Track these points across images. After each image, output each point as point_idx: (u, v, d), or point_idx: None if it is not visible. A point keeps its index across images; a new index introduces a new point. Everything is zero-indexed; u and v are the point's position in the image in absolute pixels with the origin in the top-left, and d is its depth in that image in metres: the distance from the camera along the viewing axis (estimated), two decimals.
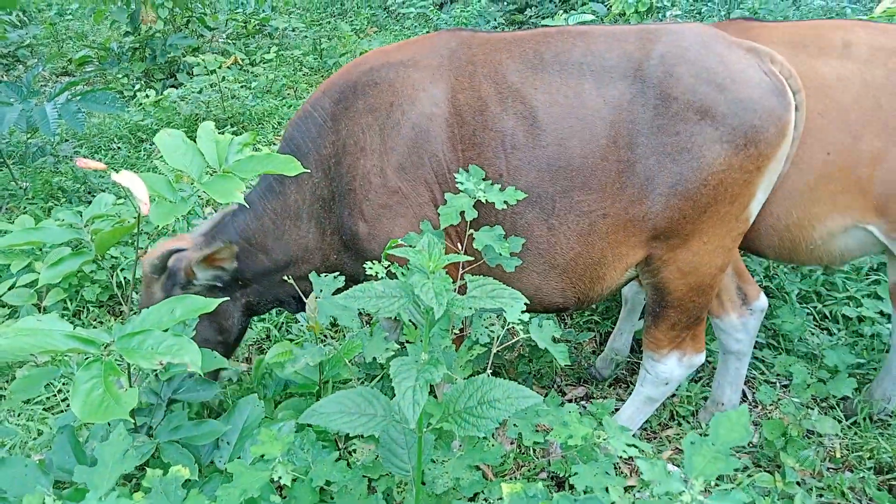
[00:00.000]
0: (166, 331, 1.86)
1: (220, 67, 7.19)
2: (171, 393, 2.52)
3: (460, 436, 1.39)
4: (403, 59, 2.63)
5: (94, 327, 3.89)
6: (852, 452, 3.10)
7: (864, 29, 2.79)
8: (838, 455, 3.06)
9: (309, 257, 2.81)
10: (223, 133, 5.95)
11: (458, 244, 2.65)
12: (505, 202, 2.22)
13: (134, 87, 7.62)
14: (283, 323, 3.98)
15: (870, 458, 3.05)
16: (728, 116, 2.30)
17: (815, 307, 3.96)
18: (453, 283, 1.53)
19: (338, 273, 2.33)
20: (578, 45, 2.47)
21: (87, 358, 1.80)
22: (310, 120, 2.70)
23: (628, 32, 2.46)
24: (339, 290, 2.35)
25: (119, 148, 6.36)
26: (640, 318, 3.74)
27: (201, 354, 1.85)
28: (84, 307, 4.00)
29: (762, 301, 2.98)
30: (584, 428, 1.93)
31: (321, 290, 2.15)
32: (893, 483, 2.98)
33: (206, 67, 7.16)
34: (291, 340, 3.70)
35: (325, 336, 3.61)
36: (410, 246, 2.23)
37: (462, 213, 2.19)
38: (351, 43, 8.82)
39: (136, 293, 4.09)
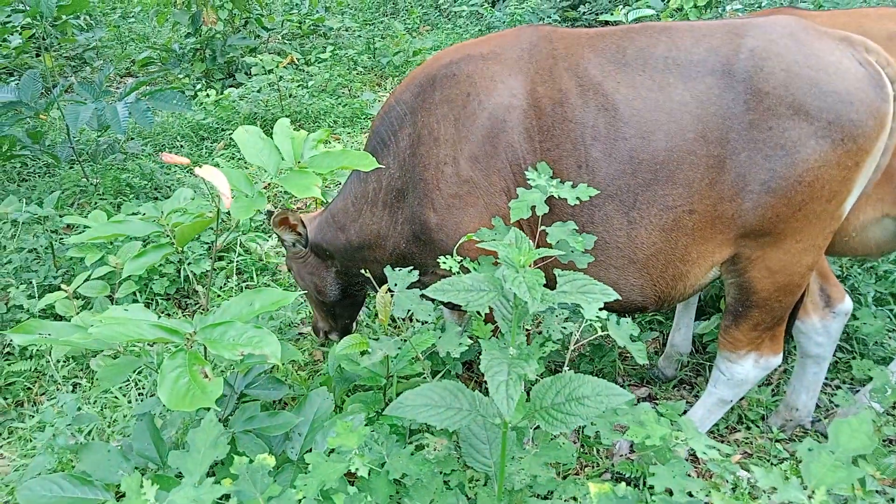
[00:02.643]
0: (247, 322, 1.89)
1: (277, 67, 7.31)
2: (245, 387, 2.57)
3: (546, 432, 1.37)
4: (483, 52, 2.65)
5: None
6: None
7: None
8: None
9: (381, 243, 2.94)
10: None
11: (528, 236, 2.64)
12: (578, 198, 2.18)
13: (195, 86, 7.81)
14: None
15: None
16: (823, 111, 2.22)
17: (892, 309, 3.80)
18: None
19: (412, 267, 2.34)
20: (662, 40, 2.43)
21: (171, 348, 1.85)
22: (392, 113, 2.79)
23: (714, 27, 2.40)
24: (413, 284, 2.36)
25: (182, 146, 6.52)
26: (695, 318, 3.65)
27: (281, 347, 1.87)
28: (153, 299, 4.12)
29: (847, 304, 2.87)
30: (662, 428, 1.88)
31: (395, 284, 2.15)
32: None
33: (263, 67, 7.30)
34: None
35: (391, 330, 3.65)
36: (483, 240, 2.22)
37: (533, 207, 2.17)
38: (404, 42, 8.86)
39: (203, 286, 4.20)
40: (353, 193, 2.98)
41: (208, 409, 1.83)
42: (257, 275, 4.39)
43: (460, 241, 2.15)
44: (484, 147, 2.58)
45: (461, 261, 2.10)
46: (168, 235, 2.28)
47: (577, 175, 2.47)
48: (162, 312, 4.04)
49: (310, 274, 3.21)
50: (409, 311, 2.28)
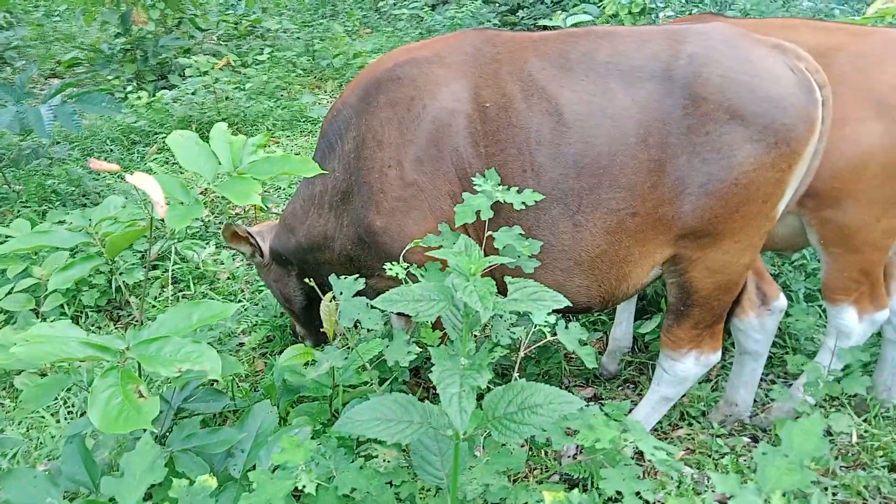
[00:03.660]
0: (185, 337, 1.81)
1: (212, 69, 7.12)
2: (182, 401, 2.47)
3: (495, 441, 1.35)
4: (427, 55, 2.65)
5: (94, 333, 3.81)
6: (864, 451, 3.09)
7: (808, 29, 2.82)
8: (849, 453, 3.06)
9: (329, 244, 2.92)
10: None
11: (474, 241, 2.63)
12: (523, 203, 2.18)
13: (125, 88, 7.52)
14: (285, 325, 3.92)
15: (882, 457, 3.04)
16: (758, 115, 2.29)
17: (821, 305, 3.96)
18: None
19: (358, 275, 2.29)
20: (604, 45, 2.46)
21: (103, 365, 1.75)
22: (339, 117, 2.78)
23: (654, 33, 2.45)
24: (361, 291, 2.32)
25: (112, 150, 6.26)
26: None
27: (221, 361, 1.80)
28: (82, 312, 3.92)
29: (781, 301, 2.97)
30: (611, 431, 1.89)
31: (341, 292, 2.10)
32: None
33: (198, 69, 7.08)
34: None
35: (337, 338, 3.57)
36: (430, 246, 2.19)
37: (478, 212, 2.15)
38: (344, 44, 8.76)
39: (137, 298, 4.02)
40: (302, 196, 2.96)
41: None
42: (194, 283, 4.24)
43: (407, 248, 2.12)
44: (428, 150, 2.57)
45: (408, 267, 2.07)
46: (97, 246, 2.16)
47: (522, 179, 2.48)
48: (92, 326, 3.85)
49: (275, 282, 3.21)
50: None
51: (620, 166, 2.41)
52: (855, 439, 3.08)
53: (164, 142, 6.37)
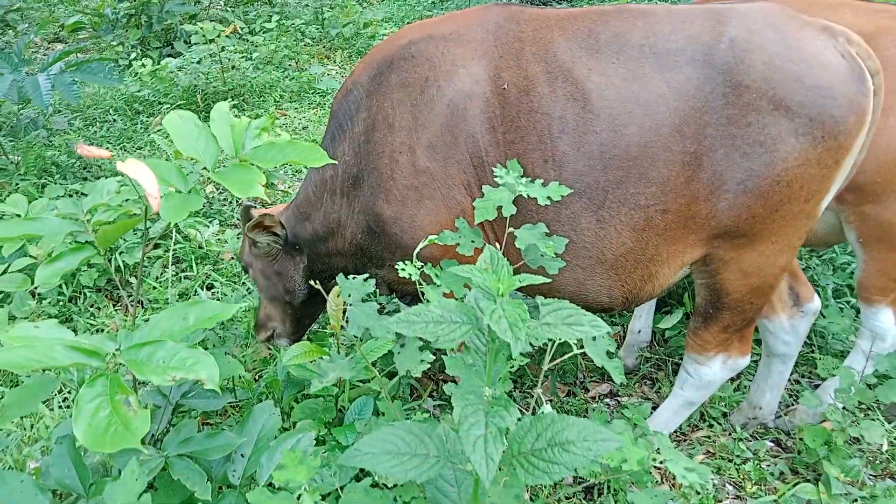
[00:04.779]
0: (181, 341, 1.66)
1: (218, 36, 6.88)
2: (181, 396, 2.33)
3: (528, 483, 1.21)
4: (445, 32, 2.45)
5: (92, 314, 3.69)
6: (894, 459, 2.95)
7: (851, 10, 2.62)
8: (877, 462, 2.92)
9: (342, 232, 2.77)
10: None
11: (492, 237, 2.46)
12: (548, 197, 2.00)
13: (129, 55, 7.31)
14: None
15: None
16: (805, 106, 2.09)
17: (849, 301, 3.80)
18: None
19: (368, 266, 2.14)
20: (639, 25, 2.25)
21: (90, 371, 1.60)
22: (350, 97, 2.60)
23: (694, 13, 2.24)
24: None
25: (115, 120, 6.09)
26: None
27: (218, 367, 1.65)
28: (81, 292, 3.79)
29: (815, 303, 2.80)
30: (639, 451, 1.75)
31: (349, 295, 1.94)
32: None
33: (204, 36, 6.85)
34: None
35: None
36: (445, 242, 2.03)
37: (499, 207, 1.98)
38: (354, 12, 8.50)
39: (135, 278, 3.89)
40: (313, 182, 2.79)
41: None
42: (197, 264, 4.09)
43: (421, 245, 1.95)
44: (442, 136, 2.39)
45: (422, 266, 1.91)
46: (89, 235, 2.00)
47: (542, 170, 2.30)
48: (91, 307, 3.72)
49: (277, 273, 2.95)
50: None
51: (651, 159, 2.23)
52: (885, 447, 2.93)
53: (168, 112, 6.19)
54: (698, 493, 2.72)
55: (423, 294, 1.92)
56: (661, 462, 1.78)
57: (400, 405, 2.19)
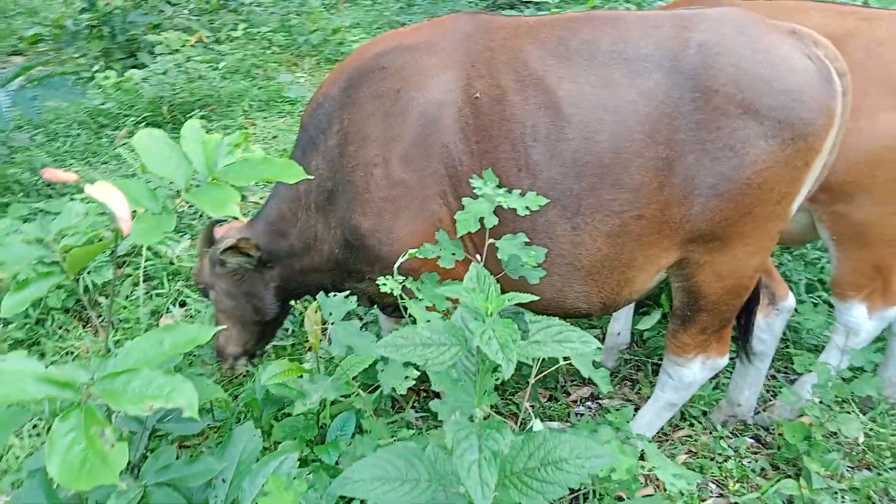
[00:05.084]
0: (157, 368, 1.61)
1: (183, 46, 6.79)
2: (156, 422, 2.27)
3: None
4: (415, 42, 2.43)
5: (61, 337, 3.59)
6: (870, 450, 3.00)
7: (819, 12, 2.67)
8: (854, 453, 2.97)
9: (319, 247, 2.70)
10: (191, 118, 5.59)
11: (471, 248, 2.44)
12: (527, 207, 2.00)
13: (92, 67, 7.14)
14: None
15: (890, 457, 2.95)
16: (774, 109, 2.11)
17: (821, 296, 3.86)
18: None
19: (348, 293, 2.10)
20: (608, 32, 2.26)
21: (63, 404, 1.55)
22: (320, 110, 2.56)
23: (662, 19, 2.25)
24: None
25: (79, 134, 5.94)
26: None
27: (197, 394, 1.61)
28: (48, 314, 3.69)
29: (790, 301, 2.84)
30: (628, 460, 1.74)
31: (330, 313, 1.91)
32: None
33: (168, 46, 6.75)
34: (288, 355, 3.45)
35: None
36: (426, 256, 2.01)
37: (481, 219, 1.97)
38: (321, 19, 8.44)
39: (106, 297, 3.79)
40: (286, 198, 2.70)
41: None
42: (168, 280, 4.01)
43: (401, 260, 1.93)
44: (416, 147, 2.37)
45: (403, 280, 1.88)
46: (58, 260, 1.94)
47: (517, 179, 2.30)
48: (59, 329, 3.62)
49: (246, 293, 2.81)
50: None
51: (624, 165, 2.23)
52: (861, 439, 2.98)
53: (134, 125, 6.07)
54: (683, 495, 2.74)
55: (405, 309, 1.89)
56: (649, 470, 1.77)
57: (384, 420, 2.16)
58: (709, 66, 2.16)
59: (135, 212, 1.79)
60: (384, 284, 1.78)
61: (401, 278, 1.86)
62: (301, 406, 1.88)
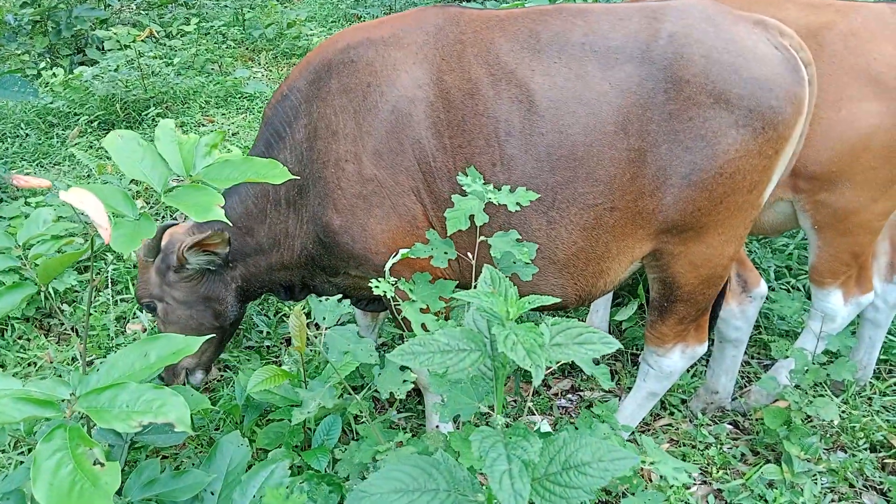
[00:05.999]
0: (143, 381, 1.53)
1: (133, 41, 6.54)
2: (135, 434, 2.18)
3: None
4: (384, 36, 2.38)
5: (22, 347, 3.42)
6: (844, 432, 3.08)
7: (795, 6, 2.71)
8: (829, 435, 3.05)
9: (290, 243, 2.63)
10: (146, 116, 5.35)
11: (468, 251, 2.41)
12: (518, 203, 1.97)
13: (37, 65, 6.85)
14: (240, 331, 3.63)
15: (863, 438, 3.04)
16: (744, 98, 2.14)
17: (789, 282, 3.95)
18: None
19: (321, 275, 2.03)
20: (579, 24, 2.26)
21: (47, 424, 1.46)
22: (286, 102, 2.48)
23: (631, 10, 2.26)
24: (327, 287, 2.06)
25: (27, 135, 5.69)
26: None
27: (188, 407, 1.53)
28: (7, 324, 3.51)
29: (762, 288, 2.89)
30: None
31: (323, 318, 1.85)
32: (888, 461, 2.98)
33: (118, 41, 6.49)
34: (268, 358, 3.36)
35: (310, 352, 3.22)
36: (414, 256, 1.97)
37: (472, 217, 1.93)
38: (276, 12, 8.26)
39: (69, 305, 3.64)
40: (251, 194, 2.60)
41: None
42: (133, 285, 3.86)
43: (392, 262, 1.88)
44: (388, 143, 2.34)
45: (395, 282, 1.84)
46: (27, 270, 1.83)
47: (491, 174, 2.29)
48: (20, 338, 3.45)
49: (205, 298, 2.64)
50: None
51: (597, 157, 2.24)
52: (836, 421, 3.06)
53: (86, 124, 5.83)
54: (671, 486, 2.76)
55: (398, 312, 1.85)
56: (649, 465, 1.77)
57: (380, 426, 2.10)
58: (679, 56, 2.17)
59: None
60: (377, 287, 1.73)
61: (393, 280, 1.81)
62: (299, 415, 1.81)
